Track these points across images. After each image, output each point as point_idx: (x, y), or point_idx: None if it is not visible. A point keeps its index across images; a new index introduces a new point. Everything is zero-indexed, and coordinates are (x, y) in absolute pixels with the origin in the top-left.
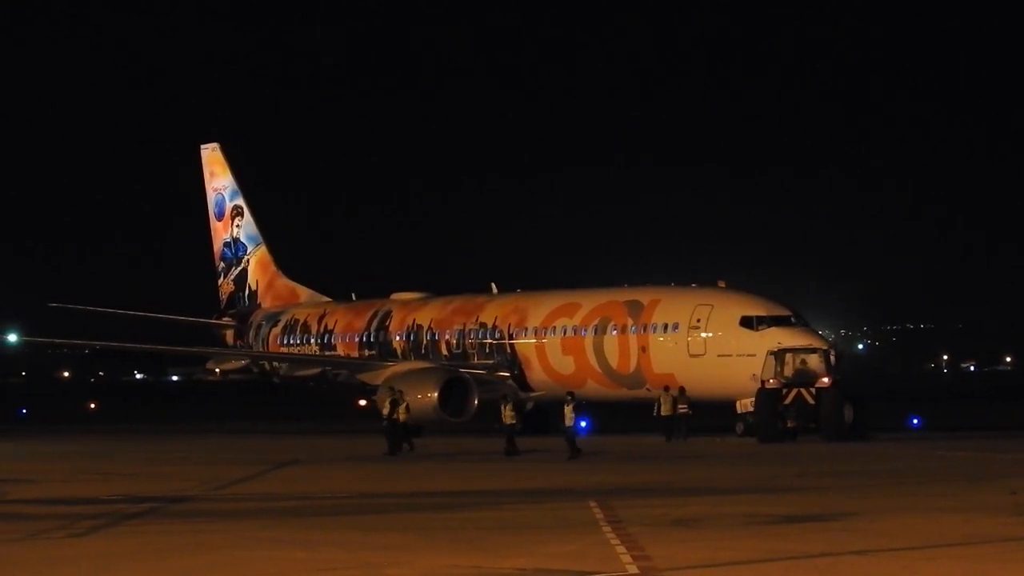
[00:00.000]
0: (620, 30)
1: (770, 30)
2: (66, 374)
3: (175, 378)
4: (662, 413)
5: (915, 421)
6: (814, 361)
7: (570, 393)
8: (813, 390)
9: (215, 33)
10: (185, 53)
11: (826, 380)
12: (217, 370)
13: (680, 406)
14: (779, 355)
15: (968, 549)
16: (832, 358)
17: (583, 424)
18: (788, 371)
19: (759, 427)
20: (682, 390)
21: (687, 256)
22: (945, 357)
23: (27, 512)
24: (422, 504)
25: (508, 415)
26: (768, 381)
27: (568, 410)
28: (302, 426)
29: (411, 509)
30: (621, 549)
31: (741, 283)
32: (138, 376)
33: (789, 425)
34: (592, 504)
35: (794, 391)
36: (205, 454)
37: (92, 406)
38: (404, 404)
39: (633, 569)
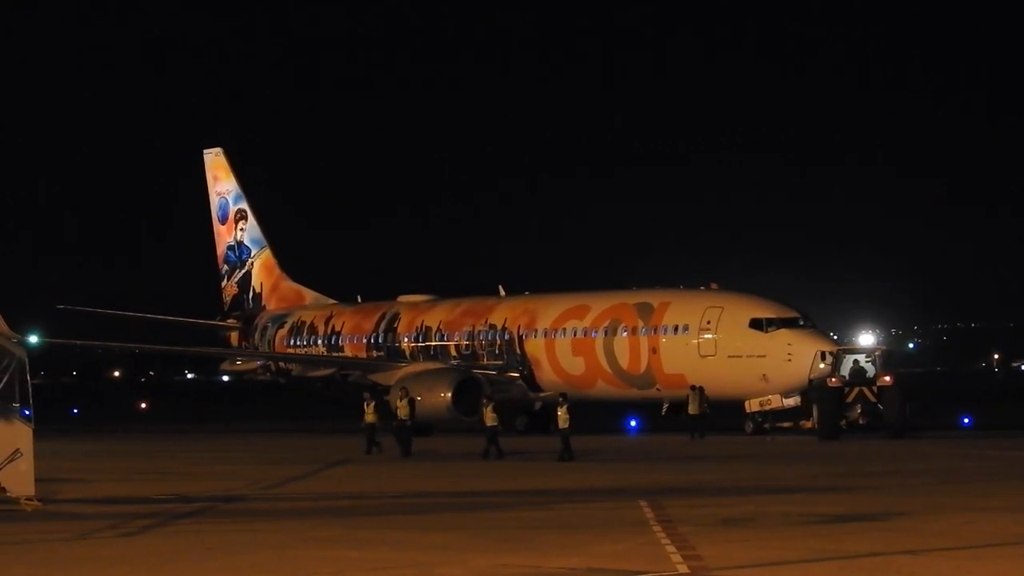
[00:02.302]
0: (623, 33)
1: (778, 25)
2: (116, 374)
3: (225, 378)
4: (690, 412)
5: (966, 420)
6: (863, 361)
7: (563, 395)
8: (875, 388)
9: (218, 36)
10: (189, 56)
11: (888, 378)
12: (269, 372)
13: (701, 405)
14: (833, 355)
15: (1020, 549)
16: (884, 357)
17: (633, 423)
18: (844, 370)
19: (821, 424)
20: (701, 390)
21: (714, 256)
22: (996, 356)
23: (78, 511)
24: (472, 503)
25: (490, 416)
26: (830, 380)
27: (562, 412)
28: (323, 426)
29: (461, 508)
30: (672, 549)
31: (756, 284)
32: (189, 376)
33: (860, 422)
34: (643, 503)
35: (855, 389)
36: (254, 453)
37: (143, 406)
38: (406, 400)
39: (684, 569)
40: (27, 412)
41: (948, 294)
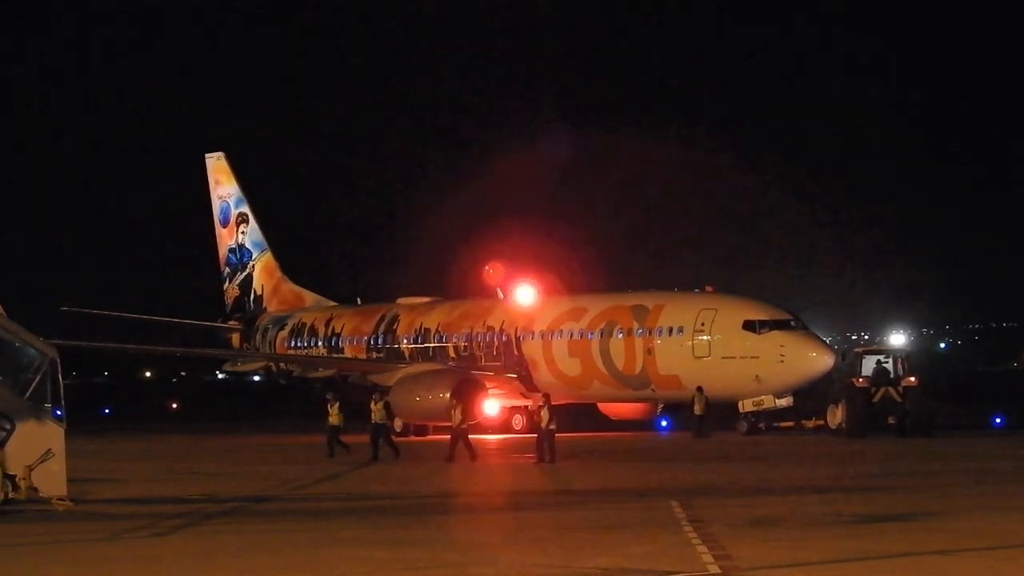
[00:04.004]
0: (621, 34)
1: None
2: (148, 374)
3: (256, 378)
4: (695, 412)
5: (998, 420)
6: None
7: (545, 395)
8: (900, 388)
9: (218, 40)
10: (189, 61)
11: (913, 379)
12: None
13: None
14: (858, 356)
15: None
16: (904, 358)
17: (664, 423)
18: (866, 371)
19: (850, 424)
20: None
21: (717, 257)
22: None
23: (110, 512)
24: (501, 504)
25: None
26: (857, 380)
27: (544, 412)
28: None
29: (491, 508)
30: (703, 549)
31: (758, 284)
32: (220, 376)
33: (890, 421)
34: (674, 504)
35: (882, 390)
36: (283, 453)
37: (174, 405)
38: (381, 403)
39: (715, 569)
40: (59, 412)
41: (980, 293)
